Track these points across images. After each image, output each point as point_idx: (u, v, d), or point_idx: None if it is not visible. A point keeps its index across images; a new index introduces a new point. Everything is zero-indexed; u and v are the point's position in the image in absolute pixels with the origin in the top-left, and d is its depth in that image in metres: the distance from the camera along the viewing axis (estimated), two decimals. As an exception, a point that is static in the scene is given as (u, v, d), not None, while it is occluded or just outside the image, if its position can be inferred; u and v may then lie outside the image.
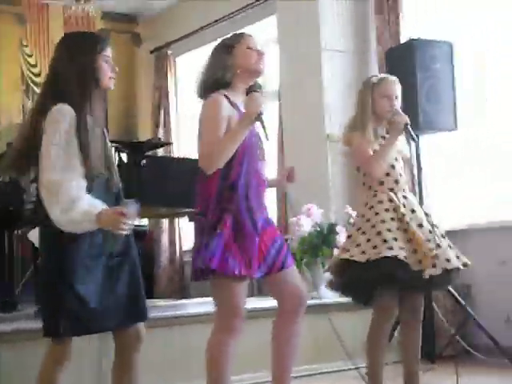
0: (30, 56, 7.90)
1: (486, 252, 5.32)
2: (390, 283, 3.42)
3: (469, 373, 4.52)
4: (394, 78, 3.73)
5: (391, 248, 3.35)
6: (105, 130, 2.91)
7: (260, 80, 3.22)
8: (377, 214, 3.50)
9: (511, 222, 5.27)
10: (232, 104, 3.09)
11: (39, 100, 2.87)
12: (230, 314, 3.03)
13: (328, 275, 5.37)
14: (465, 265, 3.54)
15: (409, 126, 3.55)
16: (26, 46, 7.89)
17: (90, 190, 2.67)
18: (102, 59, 2.82)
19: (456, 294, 4.81)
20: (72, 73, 2.79)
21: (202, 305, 5.60)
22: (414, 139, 3.65)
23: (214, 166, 3.01)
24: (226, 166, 3.05)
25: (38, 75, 7.87)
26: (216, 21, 7.44)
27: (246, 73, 3.16)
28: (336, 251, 5.35)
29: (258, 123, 3.01)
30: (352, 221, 5.44)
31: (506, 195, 5.47)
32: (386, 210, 3.50)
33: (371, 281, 3.42)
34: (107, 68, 2.83)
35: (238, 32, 3.36)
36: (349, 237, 3.64)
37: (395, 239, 3.39)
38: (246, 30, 7.13)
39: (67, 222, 2.61)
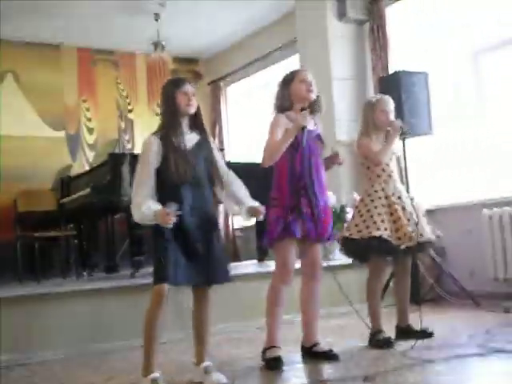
0: (123, 90, 8.00)
1: (456, 223, 5.30)
2: (377, 252, 3.46)
3: (444, 311, 4.53)
4: (387, 97, 3.74)
5: (379, 229, 3.40)
6: (206, 141, 2.97)
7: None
8: (372, 200, 3.52)
9: (475, 201, 5.24)
10: (290, 119, 3.17)
11: None
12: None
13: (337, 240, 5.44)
14: (438, 236, 3.56)
15: (404, 129, 3.58)
16: (120, 83, 7.99)
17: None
18: (180, 93, 2.87)
19: (434, 255, 4.79)
20: (162, 103, 2.96)
21: (249, 266, 5.66)
22: (406, 133, 3.66)
23: (268, 161, 3.11)
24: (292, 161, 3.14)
25: (129, 104, 7.97)
26: (255, 60, 7.46)
27: (299, 100, 3.20)
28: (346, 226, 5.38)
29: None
30: (356, 203, 5.48)
31: (470, 181, 5.45)
32: (379, 197, 3.51)
33: (364, 250, 3.48)
34: (184, 98, 2.87)
35: (292, 69, 3.37)
36: (352, 218, 3.65)
37: (382, 221, 3.43)
38: (276, 65, 7.20)
39: (138, 219, 2.75)
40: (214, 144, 3.10)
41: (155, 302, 2.73)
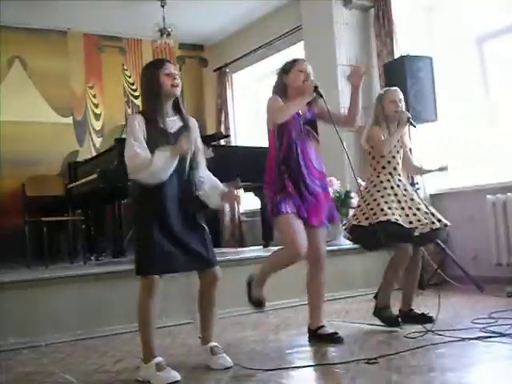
0: (129, 77, 7.98)
1: (460, 209, 5.29)
2: (387, 236, 3.41)
3: (447, 295, 4.53)
4: (395, 88, 3.78)
5: (386, 214, 3.42)
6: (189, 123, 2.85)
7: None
8: (378, 191, 3.56)
9: (479, 187, 5.23)
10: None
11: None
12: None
13: (345, 229, 5.44)
14: (445, 225, 3.57)
15: (410, 119, 3.60)
16: (126, 69, 7.97)
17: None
18: (163, 74, 2.76)
19: (438, 240, 4.79)
20: (143, 86, 2.87)
21: (254, 251, 5.67)
22: (414, 126, 3.65)
23: (280, 118, 3.11)
24: (279, 146, 3.15)
25: (135, 90, 7.95)
26: (260, 47, 7.42)
27: (295, 90, 3.21)
28: (351, 211, 5.37)
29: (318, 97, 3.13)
30: (362, 188, 5.48)
31: (474, 167, 5.43)
32: (385, 188, 3.56)
33: (372, 236, 3.43)
34: (167, 79, 2.76)
35: (293, 58, 3.36)
36: (358, 206, 3.67)
37: (389, 208, 3.45)
38: (281, 53, 7.16)
39: (157, 170, 2.61)
40: (198, 132, 2.93)
41: (146, 293, 2.67)
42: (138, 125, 2.70)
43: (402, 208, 3.50)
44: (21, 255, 5.76)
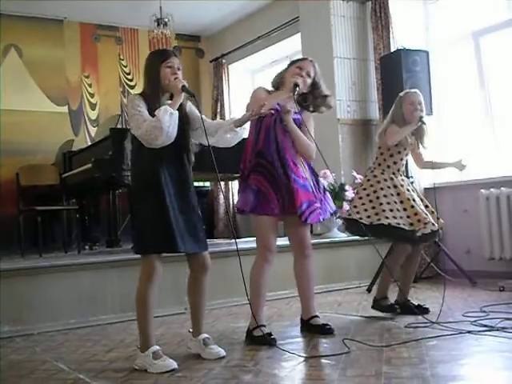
0: (125, 66, 7.94)
1: (454, 202, 5.31)
2: (388, 238, 3.67)
3: (440, 289, 4.55)
4: (415, 90, 3.81)
5: (387, 217, 3.47)
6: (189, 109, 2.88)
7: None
8: (382, 189, 3.60)
9: (473, 181, 5.24)
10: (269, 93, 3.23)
11: None
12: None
13: (338, 221, 5.45)
14: (441, 227, 3.66)
15: (421, 118, 3.62)
16: (123, 59, 7.93)
17: None
18: (164, 66, 2.76)
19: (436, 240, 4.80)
20: (144, 73, 2.85)
21: (248, 242, 5.68)
22: (424, 124, 3.65)
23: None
24: (256, 139, 3.15)
25: (131, 80, 7.92)
26: (257, 38, 7.39)
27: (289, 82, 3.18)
28: (345, 204, 5.38)
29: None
30: (358, 181, 5.49)
31: (468, 161, 5.41)
32: (388, 187, 3.60)
33: (373, 235, 3.56)
34: (169, 72, 2.76)
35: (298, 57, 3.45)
36: (360, 198, 3.63)
37: (391, 210, 3.51)
38: (278, 45, 7.14)
39: (164, 121, 2.61)
40: (189, 104, 2.94)
41: (145, 278, 2.69)
42: (140, 103, 2.72)
43: (405, 209, 3.55)
44: (15, 244, 5.76)
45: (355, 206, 3.62)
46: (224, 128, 2.89)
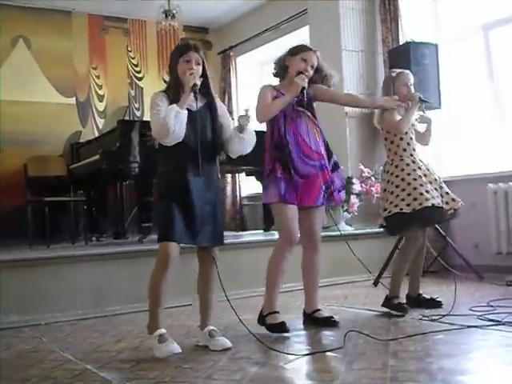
0: (133, 58, 7.95)
1: (461, 196, 5.26)
2: (426, 224, 3.56)
3: (447, 283, 4.54)
4: (408, 71, 3.72)
5: (427, 199, 3.38)
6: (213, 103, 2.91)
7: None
8: (409, 174, 3.49)
9: (481, 175, 5.22)
10: (276, 90, 3.20)
11: None
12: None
13: (346, 214, 5.45)
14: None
15: (422, 97, 3.55)
16: (130, 51, 7.93)
17: None
18: (182, 60, 2.78)
19: (439, 227, 4.79)
20: (169, 66, 2.88)
21: (254, 235, 5.69)
22: (428, 102, 3.62)
23: (262, 118, 3.20)
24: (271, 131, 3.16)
25: (139, 72, 7.93)
26: (265, 30, 7.38)
27: (291, 77, 3.19)
28: (352, 197, 5.37)
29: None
30: (364, 175, 5.48)
31: (476, 155, 5.42)
32: (414, 170, 3.51)
33: (416, 222, 3.45)
34: (186, 65, 2.77)
35: (302, 43, 3.33)
36: (391, 193, 3.51)
37: (427, 191, 3.42)
38: (286, 37, 7.11)
39: (168, 120, 2.64)
40: (222, 107, 3.01)
41: (161, 261, 2.71)
42: (161, 101, 2.75)
43: (435, 189, 3.48)
44: (22, 235, 5.78)
45: (391, 202, 3.48)
46: (233, 138, 2.92)
